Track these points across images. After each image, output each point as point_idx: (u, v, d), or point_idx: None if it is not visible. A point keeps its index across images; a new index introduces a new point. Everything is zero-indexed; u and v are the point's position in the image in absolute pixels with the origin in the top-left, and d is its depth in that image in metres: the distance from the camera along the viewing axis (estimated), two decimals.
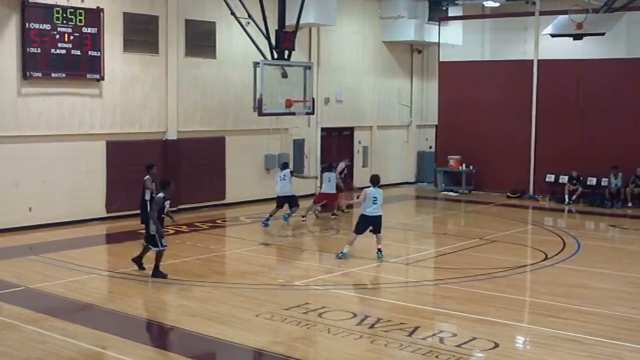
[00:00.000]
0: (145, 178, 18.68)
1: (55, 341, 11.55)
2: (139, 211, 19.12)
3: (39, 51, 20.72)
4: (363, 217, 17.78)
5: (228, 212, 24.88)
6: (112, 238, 20.84)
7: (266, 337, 11.93)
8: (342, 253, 17.78)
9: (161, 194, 15.57)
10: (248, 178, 26.55)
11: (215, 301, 14.06)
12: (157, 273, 15.53)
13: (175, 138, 24.24)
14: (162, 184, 16.03)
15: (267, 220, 22.32)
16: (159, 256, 15.62)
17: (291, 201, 22.97)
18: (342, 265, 17.34)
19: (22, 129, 20.78)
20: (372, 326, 12.43)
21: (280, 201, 22.92)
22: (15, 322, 12.58)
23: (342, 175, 24.89)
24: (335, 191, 23.77)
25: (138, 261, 16.04)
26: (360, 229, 17.90)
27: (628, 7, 26.59)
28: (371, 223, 17.73)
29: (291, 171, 23.40)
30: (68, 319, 12.72)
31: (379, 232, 17.82)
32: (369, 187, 17.82)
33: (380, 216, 17.78)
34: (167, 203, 15.61)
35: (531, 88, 29.67)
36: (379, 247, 17.74)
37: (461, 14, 33.45)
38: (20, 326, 12.36)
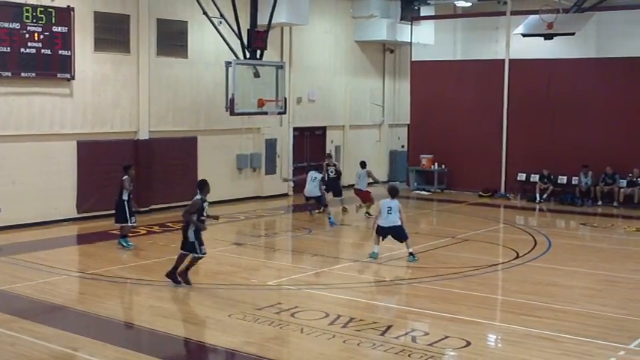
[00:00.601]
0: (124, 178, 18.49)
1: (25, 343, 11.44)
2: (113, 212, 18.94)
3: (8, 50, 20.51)
4: (379, 227, 17.64)
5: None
6: (83, 239, 20.68)
7: (239, 337, 11.90)
8: (373, 252, 17.79)
9: (198, 196, 15.00)
10: (220, 178, 26.38)
11: (188, 302, 14.01)
12: (185, 277, 14.79)
13: (147, 138, 24.11)
14: (198, 186, 15.41)
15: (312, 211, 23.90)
16: (193, 262, 14.96)
17: (318, 201, 23.41)
18: (314, 265, 17.34)
19: None
20: (344, 325, 12.43)
21: (307, 201, 23.87)
22: None
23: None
24: (362, 188, 24.46)
25: (173, 275, 14.88)
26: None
27: (598, 7, 26.84)
28: (389, 233, 17.62)
29: (323, 177, 24.04)
30: (38, 321, 12.60)
31: (403, 240, 17.69)
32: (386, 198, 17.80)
33: (398, 226, 17.50)
34: (206, 204, 15.17)
35: (503, 88, 29.84)
36: (409, 251, 17.62)
37: (433, 14, 33.56)
38: None
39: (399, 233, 17.59)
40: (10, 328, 12.22)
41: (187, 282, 14.78)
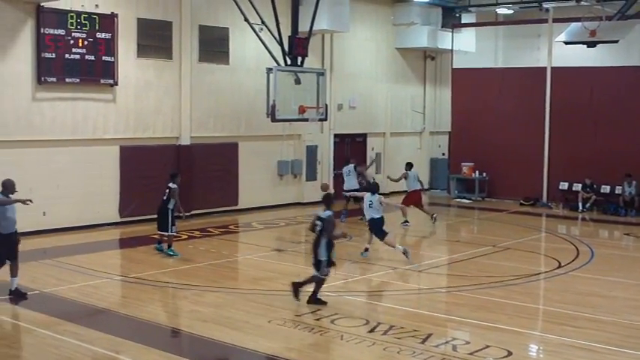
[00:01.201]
0: (173, 186, 18.41)
1: (69, 345, 11.58)
2: (155, 216, 19.02)
3: (53, 56, 20.83)
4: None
5: (240, 218, 24.92)
6: (125, 243, 20.88)
7: (279, 343, 11.93)
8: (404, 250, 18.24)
9: (329, 212, 14.19)
10: (261, 184, 26.59)
11: (228, 307, 14.06)
12: (316, 300, 14.13)
13: (188, 143, 24.29)
14: (324, 200, 14.71)
15: (344, 216, 23.62)
16: (319, 284, 14.23)
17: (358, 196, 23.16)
18: (354, 272, 17.33)
19: (37, 134, 20.88)
20: (384, 333, 12.40)
21: (347, 197, 24.05)
22: (29, 327, 12.65)
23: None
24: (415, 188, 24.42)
25: (297, 289, 14.36)
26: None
27: None
28: (369, 227, 18.57)
29: (354, 165, 24.51)
30: (82, 324, 12.75)
31: (381, 238, 18.41)
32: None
33: (377, 218, 18.45)
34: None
35: (544, 95, 29.61)
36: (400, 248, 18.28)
37: (474, 21, 33.41)
38: (35, 330, 12.41)
39: (375, 228, 18.30)
40: (55, 330, 12.39)
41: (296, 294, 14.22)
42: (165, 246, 18.44)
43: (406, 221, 23.51)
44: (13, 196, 14.10)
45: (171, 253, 18.25)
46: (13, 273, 14.16)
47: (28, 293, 14.22)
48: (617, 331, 12.79)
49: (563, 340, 12.23)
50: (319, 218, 14.11)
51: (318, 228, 14.08)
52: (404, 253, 17.94)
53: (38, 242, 19.60)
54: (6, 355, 11.23)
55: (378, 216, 18.39)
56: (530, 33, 30.70)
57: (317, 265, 14.15)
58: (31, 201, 14.11)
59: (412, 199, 24.25)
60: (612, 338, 12.34)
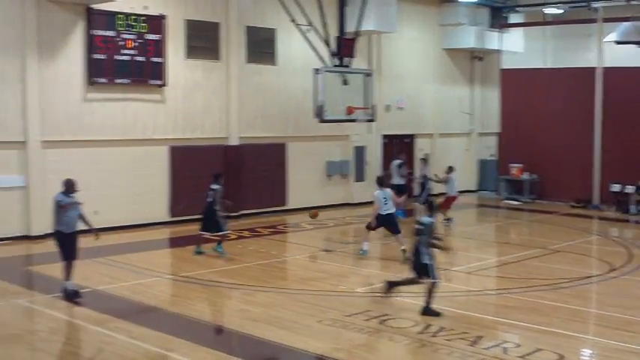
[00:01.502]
0: (216, 188, 18.46)
1: (121, 342, 11.69)
2: (201, 216, 19.12)
3: (104, 57, 21.07)
4: (379, 216, 18.56)
5: (289, 218, 24.98)
6: (174, 242, 21.04)
7: (327, 343, 11.91)
8: (362, 250, 18.54)
9: (429, 218, 13.93)
10: (309, 185, 26.65)
11: (277, 307, 14.08)
12: (429, 311, 13.53)
13: (237, 144, 24.41)
14: (428, 206, 14.61)
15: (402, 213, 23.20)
16: (432, 290, 13.69)
17: (400, 189, 23.30)
18: (403, 273, 17.22)
19: (87, 134, 21.16)
20: (434, 335, 12.31)
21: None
22: (82, 323, 12.83)
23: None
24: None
25: (390, 287, 14.36)
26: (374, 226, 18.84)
27: None
28: (386, 221, 18.52)
29: (400, 163, 24.91)
30: (133, 321, 12.87)
31: (396, 233, 18.51)
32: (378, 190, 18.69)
33: (392, 213, 18.57)
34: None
35: (595, 96, 29.22)
36: (402, 247, 18.01)
37: (522, 21, 33.12)
38: (87, 327, 12.58)
39: (392, 222, 18.43)
40: (107, 327, 12.53)
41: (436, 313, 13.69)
42: (214, 245, 18.53)
43: (448, 219, 23.42)
44: (74, 196, 14.36)
45: (220, 250, 18.31)
46: (68, 275, 14.24)
47: (82, 291, 14.36)
48: None
49: (617, 345, 12.02)
50: (420, 223, 13.97)
51: (419, 232, 13.91)
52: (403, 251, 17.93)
53: (90, 241, 19.73)
54: (61, 350, 11.41)
55: (391, 211, 18.54)
56: (579, 33, 30.43)
57: (422, 269, 13.77)
58: (98, 234, 14.62)
59: (449, 203, 24.07)
60: None
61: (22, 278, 16.76)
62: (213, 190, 18.46)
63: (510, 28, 32.38)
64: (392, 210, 18.57)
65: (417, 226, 14.02)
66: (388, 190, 18.66)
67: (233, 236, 20.62)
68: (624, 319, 13.47)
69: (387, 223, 18.60)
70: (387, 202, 18.42)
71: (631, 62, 28.14)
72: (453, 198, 24.23)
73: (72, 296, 14.12)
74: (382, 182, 19.05)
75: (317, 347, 11.69)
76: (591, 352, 12.18)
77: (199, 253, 18.53)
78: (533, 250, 20.10)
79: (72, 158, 20.70)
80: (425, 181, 24.34)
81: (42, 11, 20.15)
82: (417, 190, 25.48)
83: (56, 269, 15.28)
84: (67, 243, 14.24)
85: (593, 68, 29.38)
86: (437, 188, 24.76)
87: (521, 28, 32.48)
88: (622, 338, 12.32)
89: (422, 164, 25.45)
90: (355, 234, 22.94)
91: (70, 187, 14.38)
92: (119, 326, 12.56)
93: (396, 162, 25.14)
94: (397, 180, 24.45)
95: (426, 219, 13.95)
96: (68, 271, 14.26)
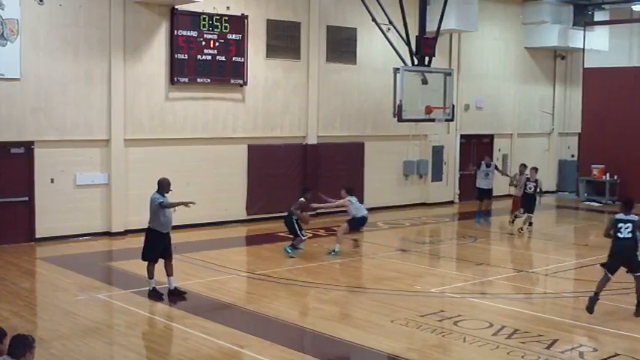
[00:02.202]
0: (300, 200, 18.72)
1: (196, 338, 11.91)
2: (280, 214, 19.28)
3: (186, 57, 21.44)
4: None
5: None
6: (251, 240, 21.31)
7: (400, 343, 11.93)
8: (333, 251, 18.54)
9: (635, 216, 13.76)
10: (386, 184, 26.65)
11: (351, 306, 14.17)
12: None
13: (315, 143, 24.57)
14: (624, 203, 14.56)
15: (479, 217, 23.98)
16: None
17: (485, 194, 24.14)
18: (478, 274, 17.15)
19: (169, 132, 21.56)
20: (508, 337, 12.23)
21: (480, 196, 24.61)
22: (159, 319, 13.11)
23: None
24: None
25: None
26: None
27: None
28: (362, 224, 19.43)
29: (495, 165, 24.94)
30: (208, 318, 13.10)
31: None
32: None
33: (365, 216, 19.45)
34: None
35: None
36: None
37: (607, 19, 32.46)
38: (163, 322, 12.85)
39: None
40: (184, 323, 12.79)
41: None
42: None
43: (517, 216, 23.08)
44: (168, 196, 14.41)
45: (289, 251, 18.34)
46: (170, 272, 14.41)
47: (158, 287, 14.63)
48: None
49: None
50: (624, 221, 13.94)
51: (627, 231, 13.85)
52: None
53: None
54: (137, 344, 11.68)
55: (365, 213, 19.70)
56: None
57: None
58: (193, 202, 14.60)
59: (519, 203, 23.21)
60: None
61: (102, 273, 17.18)
62: (298, 202, 18.67)
63: (595, 26, 31.75)
64: (365, 212, 19.38)
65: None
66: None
67: (309, 234, 20.71)
68: None
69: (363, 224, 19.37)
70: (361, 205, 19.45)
71: None
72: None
73: (176, 295, 14.28)
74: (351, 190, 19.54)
75: (390, 347, 11.73)
76: None
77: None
78: None
79: (153, 156, 21.14)
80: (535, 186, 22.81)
81: (128, 12, 20.61)
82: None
83: (135, 265, 15.66)
84: (161, 243, 14.32)
85: None
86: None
87: (607, 26, 31.83)
88: None
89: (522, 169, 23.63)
90: (431, 234, 22.86)
91: (165, 187, 14.43)
92: (195, 322, 12.81)
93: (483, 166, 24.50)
94: (483, 184, 24.35)
95: (631, 216, 13.94)
96: (169, 270, 14.38)
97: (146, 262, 14.46)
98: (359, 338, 12.14)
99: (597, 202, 29.98)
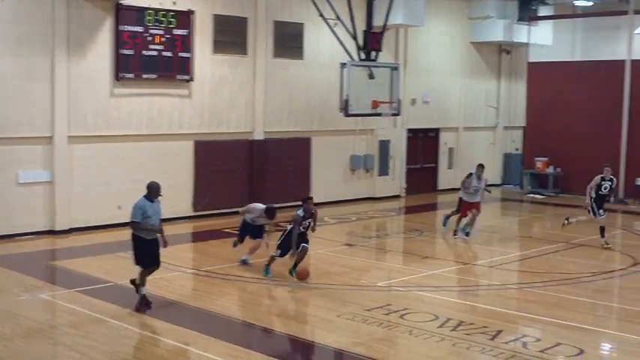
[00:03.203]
0: (298, 212, 16.21)
1: (141, 337, 11.85)
2: (229, 210, 18.81)
3: (131, 53, 21.23)
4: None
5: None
6: (197, 237, 21.20)
7: (347, 337, 11.99)
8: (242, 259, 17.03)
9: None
10: (333, 179, 26.69)
11: (298, 301, 14.19)
12: None
13: (262, 138, 24.52)
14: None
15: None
16: None
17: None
18: (424, 267, 17.28)
19: (114, 129, 21.32)
20: (454, 329, 12.37)
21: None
22: (103, 317, 12.93)
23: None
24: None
25: None
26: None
27: None
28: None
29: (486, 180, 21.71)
30: (154, 316, 13.02)
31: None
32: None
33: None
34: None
35: (623, 90, 28.99)
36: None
37: (551, 14, 32.90)
38: (108, 321, 12.70)
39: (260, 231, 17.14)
40: (128, 321, 12.69)
41: None
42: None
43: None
44: (157, 200, 13.87)
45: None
46: (143, 281, 13.71)
47: (103, 285, 14.48)
48: None
49: (638, 338, 12.03)
50: None
51: None
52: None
53: (114, 235, 19.97)
54: (79, 344, 11.53)
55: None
56: (609, 25, 30.09)
57: None
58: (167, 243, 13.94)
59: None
60: None
61: (45, 273, 16.91)
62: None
63: (539, 21, 32.15)
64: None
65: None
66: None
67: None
68: None
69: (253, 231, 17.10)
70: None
71: None
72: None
73: (145, 304, 13.53)
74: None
75: (337, 341, 11.78)
76: (612, 346, 12.20)
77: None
78: (555, 244, 20.05)
79: (98, 153, 20.90)
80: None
81: (71, 8, 20.30)
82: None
83: (80, 264, 15.49)
84: (147, 250, 13.66)
85: (622, 61, 29.14)
86: None
87: (550, 21, 32.24)
88: None
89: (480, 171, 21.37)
90: (378, 228, 22.97)
91: (155, 191, 13.76)
92: (140, 320, 12.73)
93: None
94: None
95: None
96: (144, 277, 13.70)
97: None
98: (306, 333, 12.20)
99: (541, 194, 30.39)
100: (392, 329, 12.45)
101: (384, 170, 28.37)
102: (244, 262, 16.86)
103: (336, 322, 12.75)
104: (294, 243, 15.44)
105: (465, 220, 20.77)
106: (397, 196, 28.82)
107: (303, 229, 15.72)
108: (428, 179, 30.70)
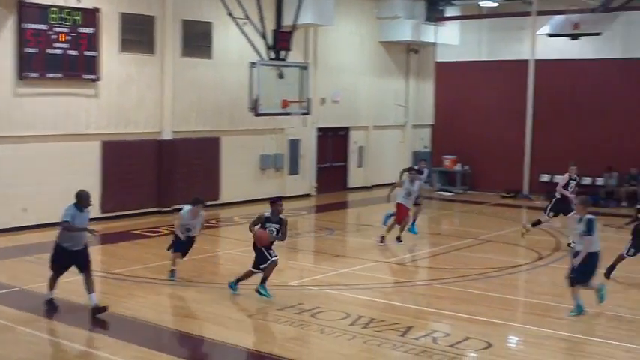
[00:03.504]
0: (267, 214, 14.99)
1: (47, 342, 11.59)
2: (136, 212, 18.51)
3: (35, 51, 20.71)
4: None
5: (222, 212, 24.81)
6: (106, 239, 20.71)
7: (259, 337, 11.99)
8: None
9: None
10: (243, 179, 26.55)
11: (209, 302, 14.05)
12: None
13: (170, 138, 24.21)
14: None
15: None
16: None
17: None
18: (336, 266, 17.35)
19: (17, 129, 20.76)
20: (365, 326, 12.45)
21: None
22: (9, 324, 12.55)
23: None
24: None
25: None
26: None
27: (624, 7, 26.62)
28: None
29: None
30: (61, 320, 12.74)
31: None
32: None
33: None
34: None
35: (527, 88, 29.71)
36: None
37: (458, 14, 33.48)
38: (14, 327, 12.34)
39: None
40: (34, 327, 12.38)
41: None
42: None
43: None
44: (87, 210, 13.23)
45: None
46: (90, 289, 13.17)
47: (8, 290, 14.08)
48: (599, 322, 12.92)
49: (545, 331, 12.34)
50: None
51: None
52: None
53: (19, 239, 19.54)
54: None
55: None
56: (513, 26, 30.75)
57: None
58: (97, 232, 13.24)
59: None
60: (594, 329, 12.45)
61: None
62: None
63: (446, 21, 32.66)
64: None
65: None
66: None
67: (165, 231, 20.47)
68: (551, 305, 13.79)
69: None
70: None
71: (563, 55, 28.70)
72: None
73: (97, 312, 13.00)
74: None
75: (249, 341, 11.78)
76: (519, 338, 12.47)
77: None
78: (464, 240, 20.40)
79: (1, 154, 20.34)
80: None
81: None
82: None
83: None
84: (67, 259, 13.09)
85: (526, 61, 29.85)
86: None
87: (457, 21, 32.79)
88: (550, 325, 12.67)
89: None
90: (289, 227, 22.91)
91: (85, 200, 13.07)
92: (47, 325, 12.45)
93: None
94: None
95: None
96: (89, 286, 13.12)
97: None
98: (218, 334, 12.09)
99: (449, 191, 30.86)
100: (304, 328, 12.46)
101: (294, 169, 28.39)
102: (172, 275, 15.51)
103: (248, 322, 12.74)
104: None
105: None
106: (307, 195, 28.89)
107: (273, 238, 14.28)
108: (338, 178, 30.86)
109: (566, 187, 20.00)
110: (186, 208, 15.58)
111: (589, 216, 13.31)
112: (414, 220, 20.67)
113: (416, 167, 21.77)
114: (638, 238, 16.04)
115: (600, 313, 13.34)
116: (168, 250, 15.79)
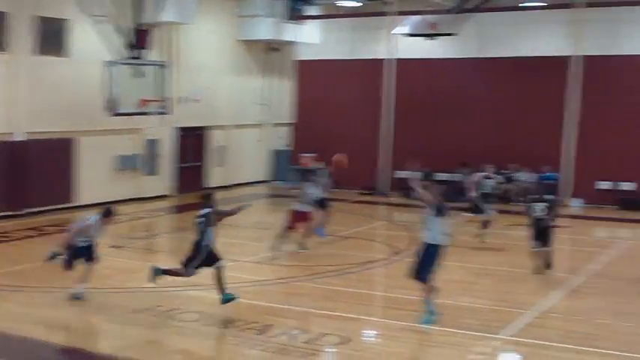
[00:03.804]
0: (209, 212, 14.13)
1: None
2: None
3: None
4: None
5: (79, 214, 24.16)
6: None
7: (116, 341, 11.78)
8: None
9: None
10: (99, 180, 25.92)
11: (62, 308, 13.66)
12: None
13: (23, 139, 23.41)
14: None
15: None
16: None
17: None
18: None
19: None
20: (225, 326, 12.51)
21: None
22: None
23: None
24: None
25: None
26: None
27: (478, 8, 27.52)
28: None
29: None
30: None
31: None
32: None
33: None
34: None
35: (383, 87, 30.31)
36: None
37: (319, 13, 33.80)
38: None
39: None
40: None
41: None
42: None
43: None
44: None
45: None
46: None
47: None
48: (451, 313, 13.26)
49: (400, 324, 12.70)
50: None
51: None
52: None
53: None
54: None
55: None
56: (373, 25, 31.33)
57: None
58: None
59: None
60: (447, 320, 12.81)
61: None
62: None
63: (306, 20, 32.89)
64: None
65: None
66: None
67: (18, 236, 19.79)
68: (406, 299, 14.06)
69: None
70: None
71: (420, 54, 29.49)
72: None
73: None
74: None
75: (105, 346, 11.58)
76: (376, 332, 12.79)
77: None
78: (322, 237, 20.56)
79: None
80: None
81: None
82: None
83: None
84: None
85: (381, 60, 30.45)
86: None
87: (318, 20, 33.08)
88: (405, 318, 13.00)
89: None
90: (147, 229, 22.66)
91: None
92: None
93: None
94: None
95: None
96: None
97: None
98: (72, 341, 11.86)
99: None
100: (161, 330, 12.35)
101: (152, 170, 27.95)
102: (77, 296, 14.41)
103: (104, 327, 12.52)
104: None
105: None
106: (166, 196, 28.50)
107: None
108: (198, 178, 30.61)
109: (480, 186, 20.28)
110: (94, 217, 14.75)
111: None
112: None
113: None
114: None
115: (452, 305, 13.73)
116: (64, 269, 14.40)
